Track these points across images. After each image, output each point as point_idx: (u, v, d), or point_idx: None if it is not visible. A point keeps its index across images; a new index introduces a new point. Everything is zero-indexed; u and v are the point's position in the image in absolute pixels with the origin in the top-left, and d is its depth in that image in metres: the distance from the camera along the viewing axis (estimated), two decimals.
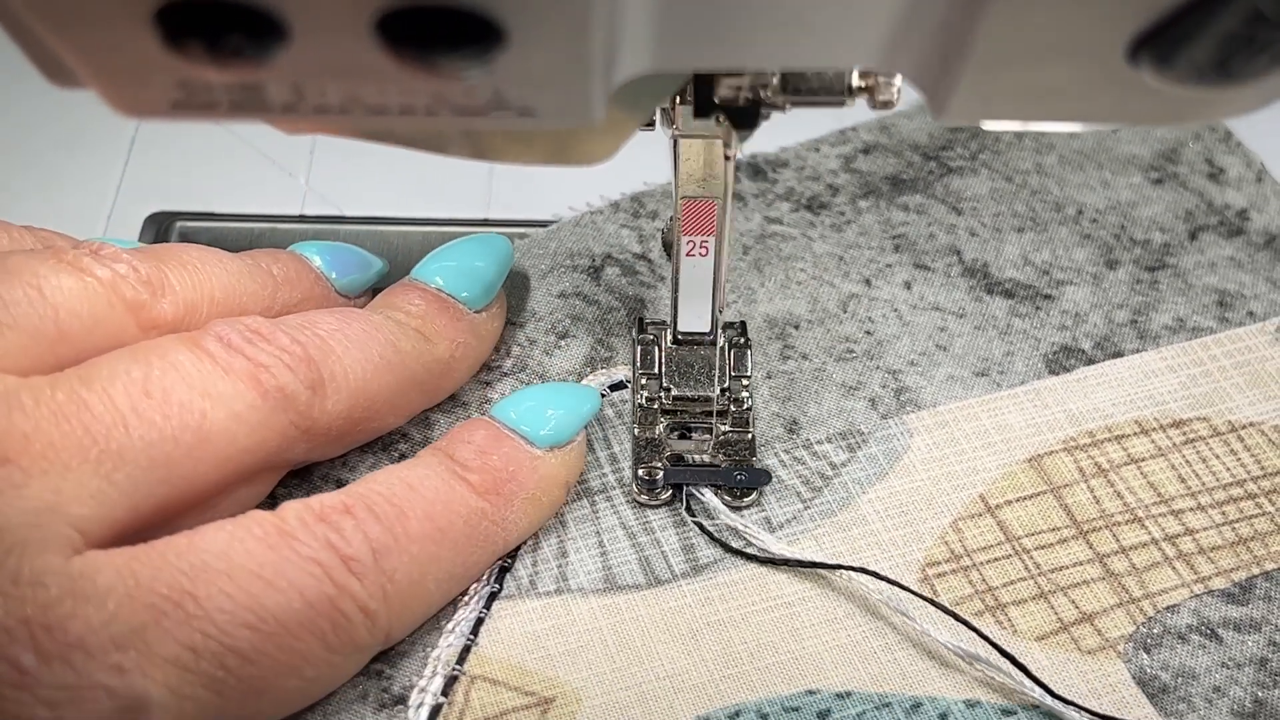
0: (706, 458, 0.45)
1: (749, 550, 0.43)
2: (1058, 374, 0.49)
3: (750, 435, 0.45)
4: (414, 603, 0.39)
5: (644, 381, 0.46)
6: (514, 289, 0.50)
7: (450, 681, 0.40)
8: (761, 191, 0.55)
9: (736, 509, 0.44)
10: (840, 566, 0.42)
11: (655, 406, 0.46)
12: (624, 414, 0.47)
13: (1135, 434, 0.47)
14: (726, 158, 0.40)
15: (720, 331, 0.46)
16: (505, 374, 0.48)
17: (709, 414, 0.46)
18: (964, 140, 0.57)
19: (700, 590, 0.43)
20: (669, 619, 0.42)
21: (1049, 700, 0.40)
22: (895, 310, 0.51)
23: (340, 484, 0.44)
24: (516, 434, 0.42)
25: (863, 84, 0.38)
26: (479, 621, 0.41)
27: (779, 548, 0.43)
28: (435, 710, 0.39)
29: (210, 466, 0.37)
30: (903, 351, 0.50)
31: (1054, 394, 0.48)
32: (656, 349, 0.46)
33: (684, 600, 0.42)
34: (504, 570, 0.43)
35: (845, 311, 0.51)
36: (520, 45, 0.22)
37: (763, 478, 0.44)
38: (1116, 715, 0.40)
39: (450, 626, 0.41)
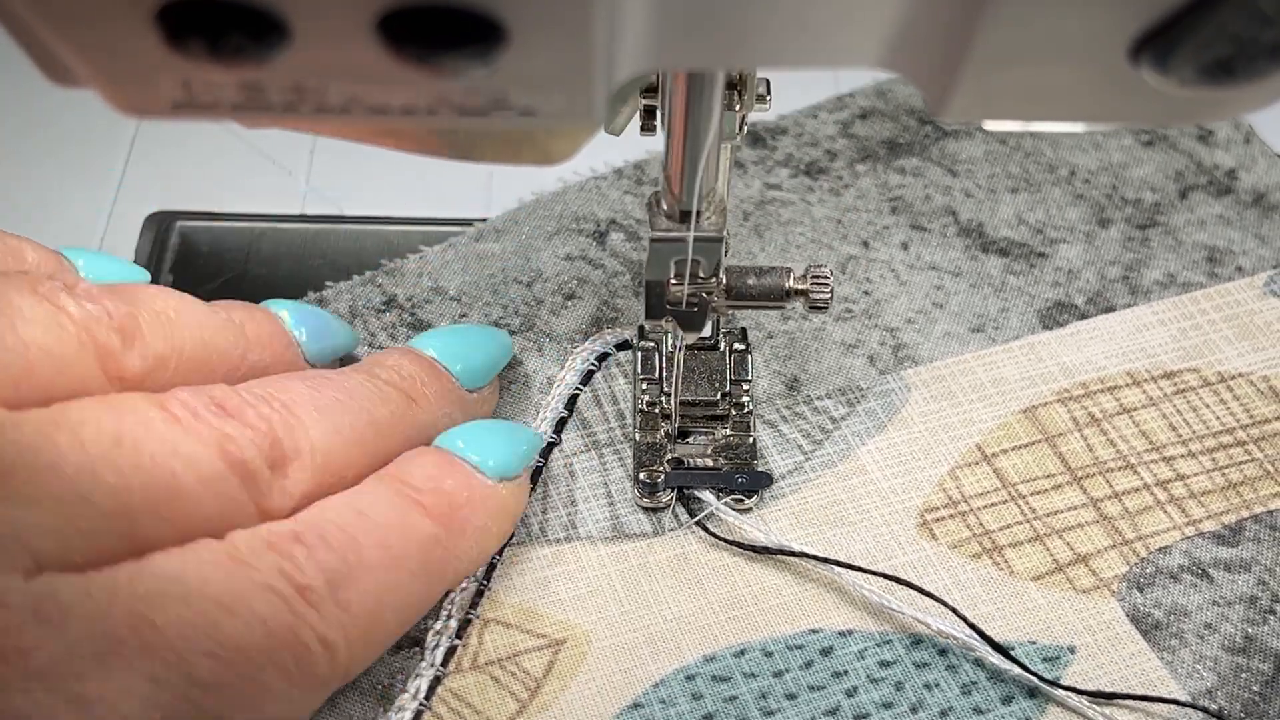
0: (708, 461, 0.45)
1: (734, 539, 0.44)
2: (1051, 329, 0.50)
3: (752, 439, 0.46)
4: (373, 634, 0.38)
5: (645, 386, 0.46)
6: (521, 249, 0.51)
7: (464, 625, 0.41)
8: (761, 159, 0.57)
9: (740, 511, 0.45)
10: (829, 561, 0.43)
11: (656, 411, 0.46)
12: (628, 372, 0.48)
13: (1127, 385, 0.48)
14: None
15: (721, 336, 0.47)
16: (514, 331, 0.49)
17: (712, 418, 0.46)
18: None
19: (705, 537, 0.44)
20: (675, 565, 0.43)
21: (1016, 669, 0.41)
22: (893, 270, 0.52)
23: None
24: (466, 462, 0.41)
25: (799, 287, 0.42)
26: (491, 567, 0.43)
27: (770, 539, 0.44)
28: (450, 651, 0.41)
29: (171, 529, 0.35)
30: (900, 310, 0.51)
31: (1048, 348, 0.49)
32: (657, 354, 0.47)
33: (689, 547, 0.44)
34: None
35: (844, 273, 0.52)
36: (522, 45, 0.22)
37: (764, 480, 0.45)
38: (1112, 649, 0.41)
39: None
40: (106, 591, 0.33)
